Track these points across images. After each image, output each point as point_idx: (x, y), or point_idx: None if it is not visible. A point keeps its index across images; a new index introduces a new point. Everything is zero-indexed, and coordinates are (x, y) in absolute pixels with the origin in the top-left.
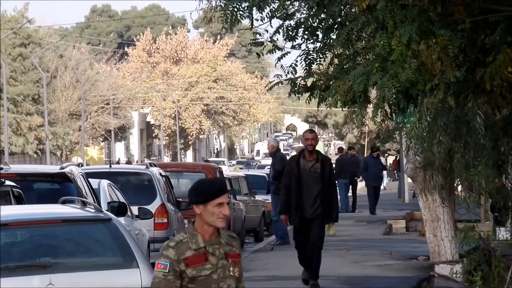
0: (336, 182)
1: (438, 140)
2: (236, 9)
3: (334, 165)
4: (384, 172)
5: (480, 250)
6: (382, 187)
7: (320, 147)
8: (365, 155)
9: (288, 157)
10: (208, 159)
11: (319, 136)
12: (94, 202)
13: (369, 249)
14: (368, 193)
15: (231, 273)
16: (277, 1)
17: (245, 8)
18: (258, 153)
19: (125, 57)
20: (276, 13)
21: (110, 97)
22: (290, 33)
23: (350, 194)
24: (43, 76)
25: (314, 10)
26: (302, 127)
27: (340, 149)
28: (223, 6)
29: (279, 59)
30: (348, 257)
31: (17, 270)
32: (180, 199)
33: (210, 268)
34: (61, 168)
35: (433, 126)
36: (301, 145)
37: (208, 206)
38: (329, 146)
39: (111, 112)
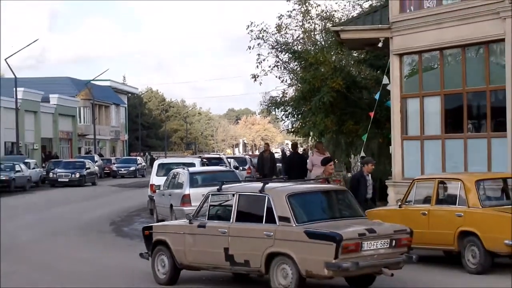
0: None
1: (331, 146)
2: (271, 108)
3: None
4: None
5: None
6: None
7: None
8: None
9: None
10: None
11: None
12: (230, 165)
13: None
14: None
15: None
16: (281, 106)
17: (273, 107)
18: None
19: (238, 123)
20: (285, 108)
21: (234, 134)
22: (288, 115)
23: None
24: (214, 130)
25: (295, 104)
26: (289, 143)
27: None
28: (266, 107)
29: (283, 123)
30: None
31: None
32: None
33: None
34: (219, 155)
35: (329, 142)
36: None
37: (327, 166)
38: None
39: (233, 139)
